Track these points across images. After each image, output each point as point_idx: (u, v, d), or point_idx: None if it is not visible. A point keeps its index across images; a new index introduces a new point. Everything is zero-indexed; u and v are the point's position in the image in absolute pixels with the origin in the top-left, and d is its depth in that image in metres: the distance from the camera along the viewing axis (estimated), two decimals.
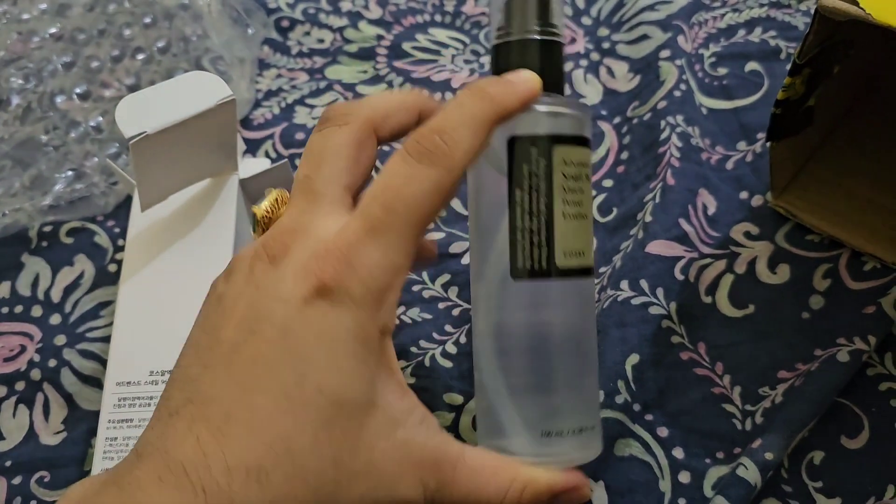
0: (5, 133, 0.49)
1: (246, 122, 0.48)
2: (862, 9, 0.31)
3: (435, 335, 0.41)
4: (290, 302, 0.25)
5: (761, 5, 0.49)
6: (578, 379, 0.30)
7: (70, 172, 0.47)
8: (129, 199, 0.46)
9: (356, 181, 0.28)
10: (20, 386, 0.40)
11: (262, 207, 0.36)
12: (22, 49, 0.52)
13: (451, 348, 0.40)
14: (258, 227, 0.36)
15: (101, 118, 0.49)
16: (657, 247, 0.39)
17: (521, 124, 0.29)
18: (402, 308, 0.41)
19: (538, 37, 0.30)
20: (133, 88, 0.50)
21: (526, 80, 0.28)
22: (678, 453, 0.36)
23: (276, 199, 0.36)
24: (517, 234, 0.29)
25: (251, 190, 0.41)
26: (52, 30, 0.53)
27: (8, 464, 0.38)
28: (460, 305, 0.41)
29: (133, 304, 0.38)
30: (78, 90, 0.50)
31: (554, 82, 0.30)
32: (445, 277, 0.42)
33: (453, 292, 0.42)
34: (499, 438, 0.29)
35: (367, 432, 0.25)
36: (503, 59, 0.30)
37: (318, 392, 0.24)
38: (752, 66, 0.47)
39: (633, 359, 0.37)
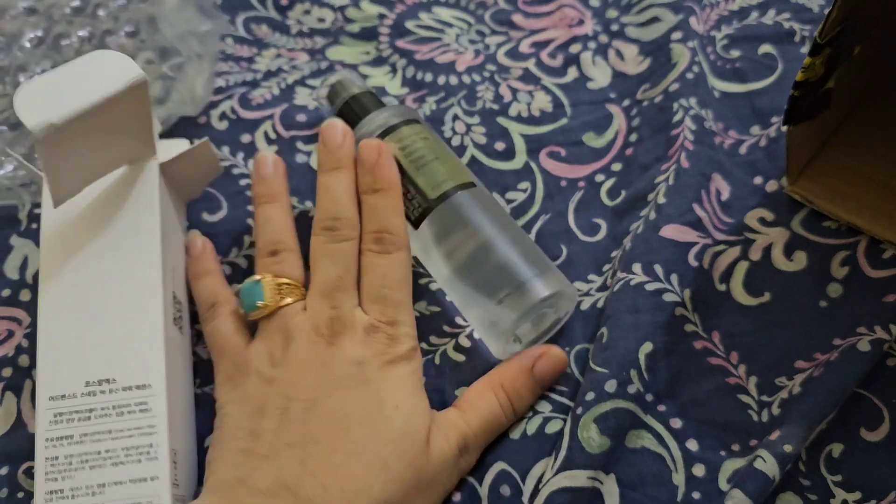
0: None
1: (244, 102, 0.46)
2: None
3: (446, 328, 0.39)
4: (364, 363, 0.34)
5: None
6: (494, 262, 0.36)
7: (20, 155, 0.44)
8: None
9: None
10: (7, 372, 0.39)
11: (267, 301, 0.36)
12: None
13: (464, 341, 0.39)
14: (263, 317, 0.37)
15: None
16: (671, 231, 0.38)
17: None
18: None
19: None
20: None
21: (376, 150, 0.39)
22: (692, 445, 0.35)
23: (278, 287, 0.37)
24: (406, 203, 0.39)
25: (172, 173, 0.39)
26: (27, 3, 0.51)
27: None
28: None
29: (57, 310, 0.34)
30: (41, 69, 0.48)
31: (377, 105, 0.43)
32: None
33: None
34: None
35: (424, 455, 0.33)
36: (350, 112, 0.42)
37: (396, 408, 0.33)
38: (765, 48, 0.46)
39: (647, 347, 0.36)
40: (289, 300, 0.36)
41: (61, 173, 0.34)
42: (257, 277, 0.37)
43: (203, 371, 0.39)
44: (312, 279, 0.37)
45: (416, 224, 0.38)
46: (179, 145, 0.40)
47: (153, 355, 0.33)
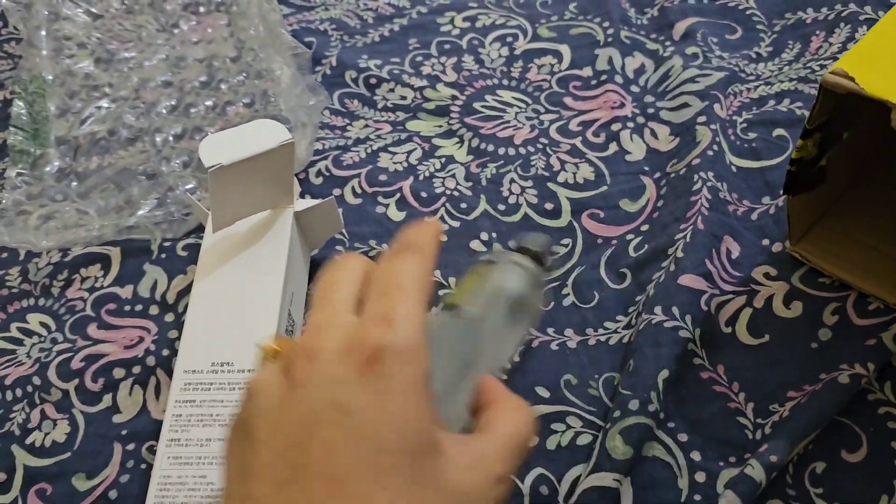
0: (112, 160, 0.58)
1: (337, 163, 0.56)
2: (857, 84, 0.37)
3: None
4: (344, 381, 0.25)
5: (791, 80, 0.56)
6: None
7: (154, 200, 0.55)
8: (197, 228, 0.54)
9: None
10: (137, 370, 0.48)
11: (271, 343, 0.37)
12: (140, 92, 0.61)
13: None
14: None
15: (186, 157, 0.57)
16: (687, 280, 0.46)
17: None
18: None
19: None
20: None
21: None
22: (695, 456, 0.42)
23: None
24: None
25: (303, 221, 0.48)
26: (165, 77, 0.62)
27: (124, 433, 0.46)
28: None
29: (201, 306, 0.44)
30: (173, 132, 0.59)
31: None
32: None
33: None
34: None
35: (435, 472, 0.25)
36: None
37: (386, 450, 0.25)
38: (779, 131, 0.53)
39: (664, 374, 0.42)
40: None
41: (223, 206, 0.45)
42: None
43: None
44: None
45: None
46: (312, 202, 0.49)
47: None
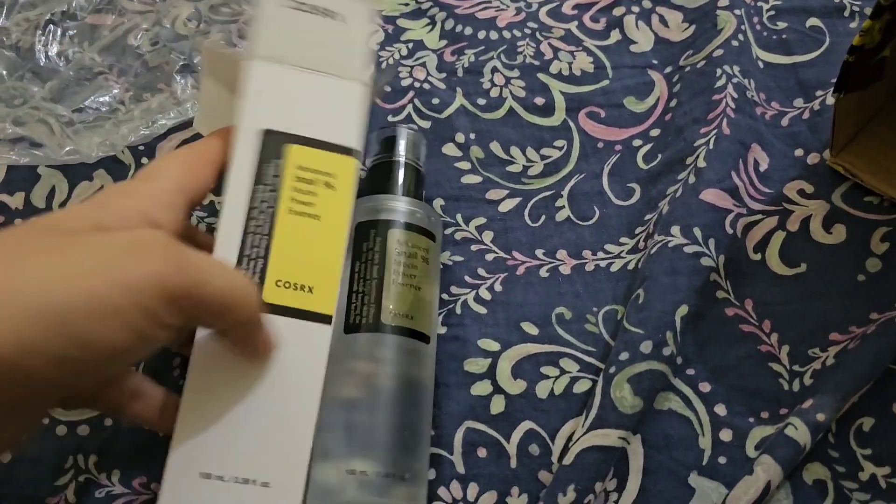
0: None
1: None
2: None
3: (468, 279, 0.39)
4: None
5: None
6: (380, 428, 0.32)
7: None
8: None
9: None
10: None
11: None
12: None
13: (484, 294, 0.39)
14: None
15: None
16: (710, 196, 0.38)
17: (360, 214, 0.36)
18: None
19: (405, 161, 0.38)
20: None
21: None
22: (720, 410, 0.35)
23: None
24: (352, 297, 0.34)
25: None
26: None
27: None
28: (494, 252, 0.40)
29: None
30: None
31: (414, 191, 0.38)
32: (480, 220, 0.41)
33: (487, 237, 0.40)
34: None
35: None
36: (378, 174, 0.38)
37: None
38: (813, 21, 0.45)
39: (683, 310, 0.35)
40: None
41: None
42: None
43: None
44: None
45: (348, 329, 0.34)
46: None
47: None
